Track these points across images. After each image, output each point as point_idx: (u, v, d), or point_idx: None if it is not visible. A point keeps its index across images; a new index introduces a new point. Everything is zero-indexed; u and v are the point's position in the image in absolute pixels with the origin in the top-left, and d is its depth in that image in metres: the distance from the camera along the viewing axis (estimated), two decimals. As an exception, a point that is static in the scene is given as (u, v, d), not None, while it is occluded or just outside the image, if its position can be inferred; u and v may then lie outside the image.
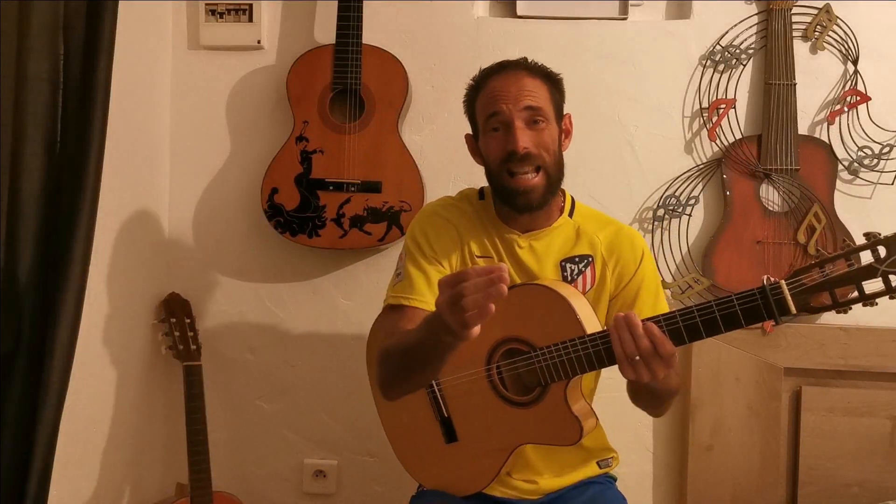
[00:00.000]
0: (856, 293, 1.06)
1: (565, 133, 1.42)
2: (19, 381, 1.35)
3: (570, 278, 1.40)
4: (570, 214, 1.45)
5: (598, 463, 1.49)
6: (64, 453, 1.46)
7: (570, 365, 1.24)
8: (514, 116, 1.32)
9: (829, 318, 1.86)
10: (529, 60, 1.41)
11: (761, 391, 1.83)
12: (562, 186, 1.43)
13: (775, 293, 1.07)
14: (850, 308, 1.06)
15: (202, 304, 2.01)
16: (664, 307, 1.40)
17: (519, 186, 1.34)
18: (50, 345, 1.36)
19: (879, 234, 1.05)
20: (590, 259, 1.41)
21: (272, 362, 2.03)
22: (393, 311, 1.40)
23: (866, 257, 1.06)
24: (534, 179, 1.34)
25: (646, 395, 1.34)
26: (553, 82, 1.41)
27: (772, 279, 1.08)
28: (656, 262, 1.90)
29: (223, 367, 2.03)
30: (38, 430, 1.34)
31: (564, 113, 1.43)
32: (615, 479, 1.54)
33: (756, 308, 1.08)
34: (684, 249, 1.90)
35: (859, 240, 1.79)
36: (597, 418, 1.36)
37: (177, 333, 1.87)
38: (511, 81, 1.35)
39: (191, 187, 2.04)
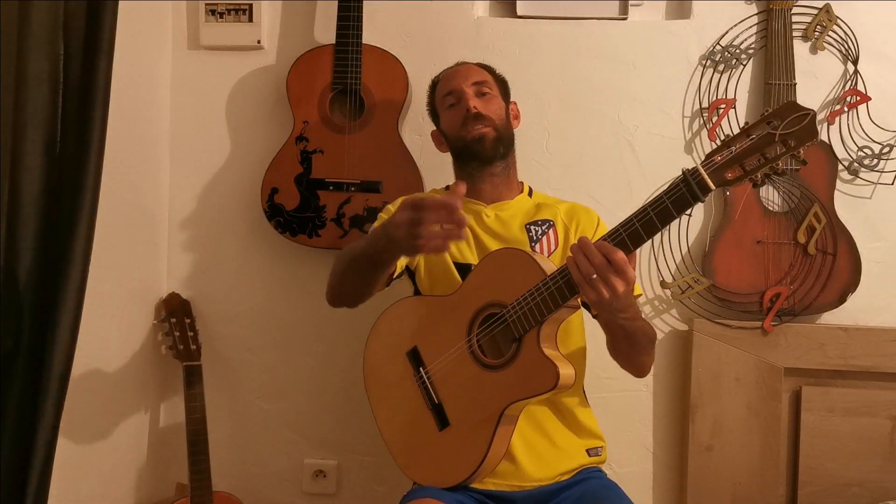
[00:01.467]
0: (762, 160, 1.17)
1: (513, 115, 1.66)
2: (19, 381, 1.35)
3: (535, 238, 1.54)
4: (530, 195, 1.64)
5: (587, 451, 1.51)
6: (64, 453, 1.46)
7: (538, 308, 1.30)
8: (464, 89, 1.57)
9: (829, 317, 1.86)
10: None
11: (761, 391, 1.83)
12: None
13: (695, 176, 1.17)
14: (761, 177, 1.17)
15: (202, 304, 2.01)
16: None
17: (475, 135, 1.54)
18: (50, 345, 1.36)
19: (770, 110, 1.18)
20: (551, 223, 1.57)
21: (272, 362, 2.03)
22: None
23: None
24: (484, 129, 1.54)
25: (622, 342, 1.40)
26: (497, 75, 1.66)
27: (687, 168, 1.19)
28: (656, 263, 1.91)
29: (223, 367, 2.03)
30: (38, 430, 1.34)
31: (512, 101, 1.67)
32: (604, 474, 1.54)
33: (682, 195, 1.19)
34: (684, 249, 1.90)
35: (860, 241, 1.82)
36: (574, 372, 1.36)
37: (177, 333, 1.87)
38: (461, 69, 1.63)
39: (191, 187, 2.04)
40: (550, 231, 1.55)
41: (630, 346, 1.41)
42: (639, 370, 1.48)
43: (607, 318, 1.35)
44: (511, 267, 1.35)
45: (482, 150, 1.54)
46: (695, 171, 1.17)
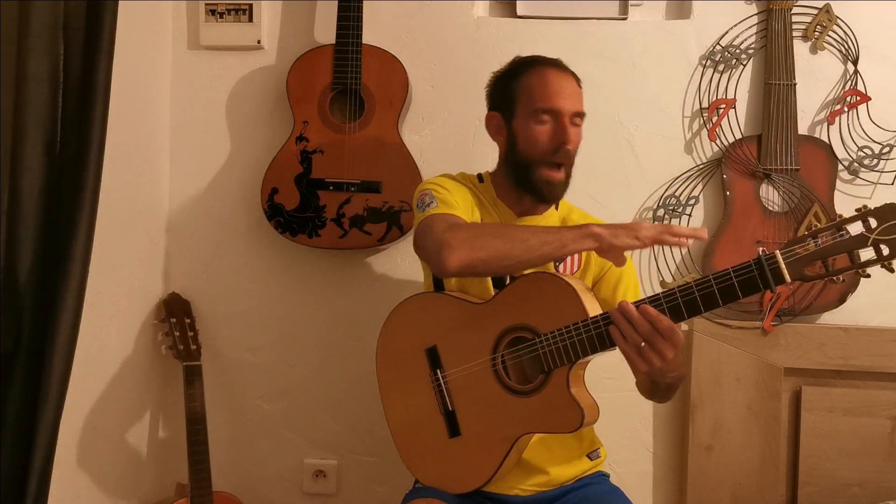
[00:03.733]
0: (848, 262, 1.11)
1: None
2: (19, 381, 1.35)
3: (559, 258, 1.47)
4: (556, 207, 1.56)
5: (588, 455, 1.50)
6: (64, 453, 1.46)
7: (573, 349, 1.26)
8: (568, 116, 1.43)
9: (829, 317, 1.86)
10: (570, 70, 1.51)
11: (761, 391, 1.83)
12: None
13: (771, 263, 1.11)
14: (842, 278, 1.14)
15: (202, 304, 2.01)
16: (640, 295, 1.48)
17: (553, 178, 1.44)
18: (50, 345, 1.36)
19: (870, 208, 1.11)
20: None
21: (272, 362, 2.03)
22: (438, 217, 1.38)
23: (858, 229, 1.11)
24: (560, 175, 1.45)
25: (662, 392, 1.39)
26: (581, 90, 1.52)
27: (766, 251, 1.13)
28: (656, 263, 1.91)
29: (223, 367, 2.03)
30: (38, 430, 1.34)
31: None
32: (608, 476, 1.55)
33: (752, 279, 1.12)
34: (684, 249, 1.90)
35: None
36: (598, 410, 1.35)
37: (177, 333, 1.87)
38: (567, 83, 1.46)
39: (191, 187, 2.04)
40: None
41: (668, 392, 1.40)
42: (665, 401, 1.48)
43: (654, 379, 1.30)
44: (553, 295, 1.29)
45: (550, 196, 1.47)
46: (772, 257, 1.11)
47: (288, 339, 2.02)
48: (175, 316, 1.89)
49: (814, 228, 1.12)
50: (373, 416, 1.90)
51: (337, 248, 1.91)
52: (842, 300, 1.82)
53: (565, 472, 1.47)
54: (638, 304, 1.19)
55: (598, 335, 1.23)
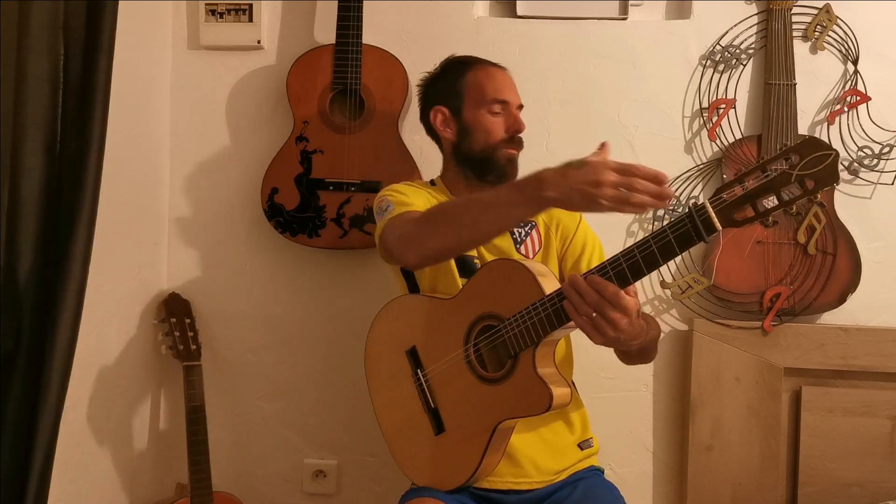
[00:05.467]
0: (776, 202, 1.09)
1: None
2: (19, 381, 1.35)
3: (519, 240, 1.54)
4: None
5: (579, 445, 1.51)
6: (64, 453, 1.46)
7: (534, 329, 1.26)
8: (515, 107, 1.56)
9: (829, 317, 1.86)
10: None
11: (761, 391, 1.83)
12: None
13: (700, 214, 1.10)
14: (773, 219, 1.09)
15: (202, 304, 2.01)
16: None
17: (513, 155, 1.54)
18: (50, 345, 1.36)
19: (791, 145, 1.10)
20: (533, 224, 1.56)
21: (272, 362, 2.03)
22: (398, 217, 1.42)
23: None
24: (517, 151, 1.56)
25: (636, 357, 1.45)
26: None
27: (697, 202, 1.10)
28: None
29: (223, 367, 2.03)
30: (38, 430, 1.34)
31: None
32: (602, 471, 1.55)
33: (686, 232, 1.12)
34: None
35: (860, 241, 1.81)
36: (571, 389, 1.35)
37: (177, 333, 1.87)
38: (509, 79, 1.60)
39: (191, 187, 2.04)
40: (533, 231, 1.56)
41: (642, 356, 1.45)
42: (646, 362, 1.53)
43: (616, 347, 1.35)
44: (511, 280, 1.32)
45: (511, 172, 1.53)
46: (702, 207, 1.11)
47: (288, 339, 2.02)
48: (175, 316, 1.89)
49: (738, 174, 1.11)
50: (372, 415, 1.90)
51: (337, 248, 1.91)
52: (842, 300, 1.82)
53: (557, 462, 1.48)
54: (586, 275, 1.20)
55: (556, 311, 1.24)
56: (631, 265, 1.17)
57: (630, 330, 1.20)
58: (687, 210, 1.12)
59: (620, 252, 1.18)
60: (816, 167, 1.05)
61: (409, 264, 1.39)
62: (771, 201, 1.09)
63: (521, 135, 1.55)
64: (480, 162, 1.54)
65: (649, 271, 1.17)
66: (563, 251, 1.56)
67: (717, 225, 1.10)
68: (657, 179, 1.10)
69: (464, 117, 1.55)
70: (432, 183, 1.64)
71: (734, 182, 1.10)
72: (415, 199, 1.49)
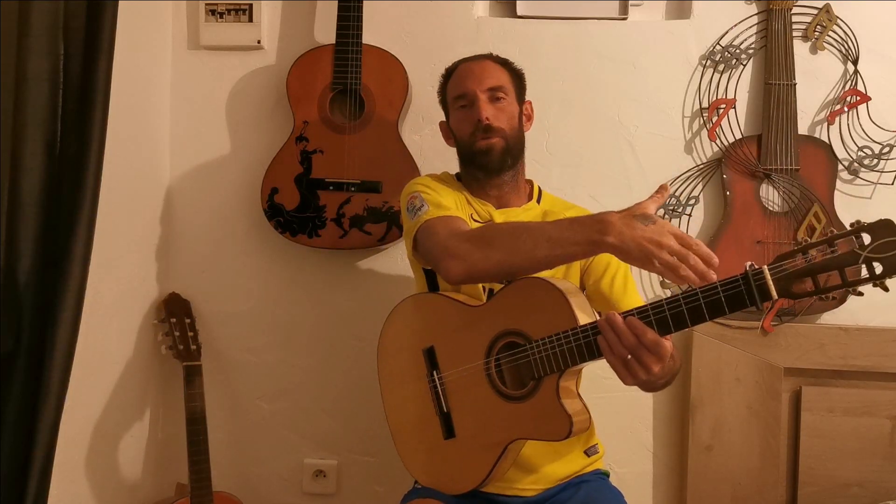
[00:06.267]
0: (839, 280, 1.05)
1: (527, 117, 1.60)
2: (19, 381, 1.35)
3: None
4: (538, 201, 1.59)
5: (585, 452, 1.50)
6: (64, 453, 1.46)
7: (562, 357, 1.25)
8: (478, 94, 1.50)
9: (829, 317, 1.86)
10: (494, 54, 1.59)
11: (761, 391, 1.83)
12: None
13: (757, 279, 1.07)
14: (833, 295, 1.06)
15: (202, 304, 2.01)
16: (633, 283, 1.50)
17: (482, 146, 1.49)
18: (50, 345, 1.36)
19: (864, 223, 1.05)
20: None
21: (272, 362, 2.03)
22: (438, 221, 1.39)
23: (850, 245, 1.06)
24: (493, 140, 1.49)
25: (657, 390, 1.40)
26: (514, 71, 1.58)
27: (755, 265, 1.08)
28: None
29: (223, 367, 2.03)
30: (38, 430, 1.34)
31: (526, 100, 1.60)
32: (608, 475, 1.55)
33: (739, 294, 1.08)
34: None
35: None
36: (590, 416, 1.35)
37: (177, 333, 1.87)
38: (477, 66, 1.54)
39: (191, 187, 2.04)
40: None
41: (662, 388, 1.40)
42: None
43: (642, 388, 1.30)
44: (544, 302, 1.28)
45: (488, 163, 1.50)
46: (759, 273, 1.06)
47: (288, 339, 2.02)
48: (175, 316, 1.89)
49: (804, 243, 1.06)
50: (373, 416, 1.91)
51: (337, 248, 1.91)
52: (842, 300, 1.82)
53: (562, 468, 1.47)
54: (625, 315, 1.17)
55: (587, 344, 1.22)
56: (675, 315, 1.13)
57: (661, 373, 1.19)
58: (743, 272, 1.08)
59: (664, 298, 1.15)
60: (888, 252, 1.00)
61: (450, 278, 1.32)
62: (833, 278, 1.03)
63: (486, 123, 1.48)
64: (467, 159, 1.55)
65: (693, 325, 1.13)
66: (587, 265, 1.50)
67: (774, 293, 1.06)
68: (708, 261, 1.11)
69: (450, 124, 1.59)
70: (458, 177, 1.61)
71: (798, 251, 1.06)
72: (447, 198, 1.47)
